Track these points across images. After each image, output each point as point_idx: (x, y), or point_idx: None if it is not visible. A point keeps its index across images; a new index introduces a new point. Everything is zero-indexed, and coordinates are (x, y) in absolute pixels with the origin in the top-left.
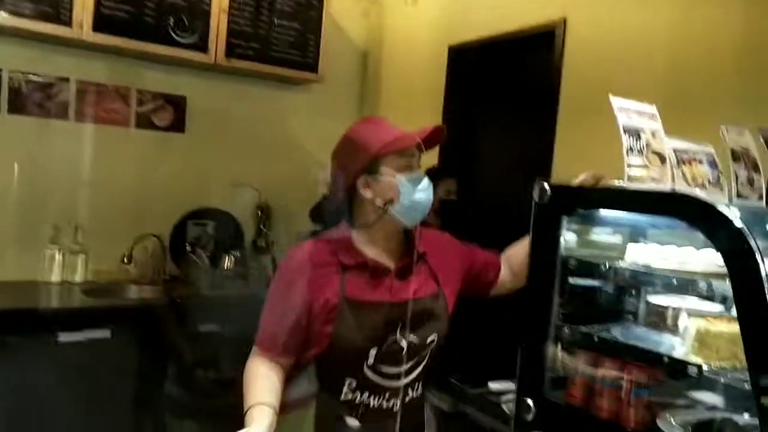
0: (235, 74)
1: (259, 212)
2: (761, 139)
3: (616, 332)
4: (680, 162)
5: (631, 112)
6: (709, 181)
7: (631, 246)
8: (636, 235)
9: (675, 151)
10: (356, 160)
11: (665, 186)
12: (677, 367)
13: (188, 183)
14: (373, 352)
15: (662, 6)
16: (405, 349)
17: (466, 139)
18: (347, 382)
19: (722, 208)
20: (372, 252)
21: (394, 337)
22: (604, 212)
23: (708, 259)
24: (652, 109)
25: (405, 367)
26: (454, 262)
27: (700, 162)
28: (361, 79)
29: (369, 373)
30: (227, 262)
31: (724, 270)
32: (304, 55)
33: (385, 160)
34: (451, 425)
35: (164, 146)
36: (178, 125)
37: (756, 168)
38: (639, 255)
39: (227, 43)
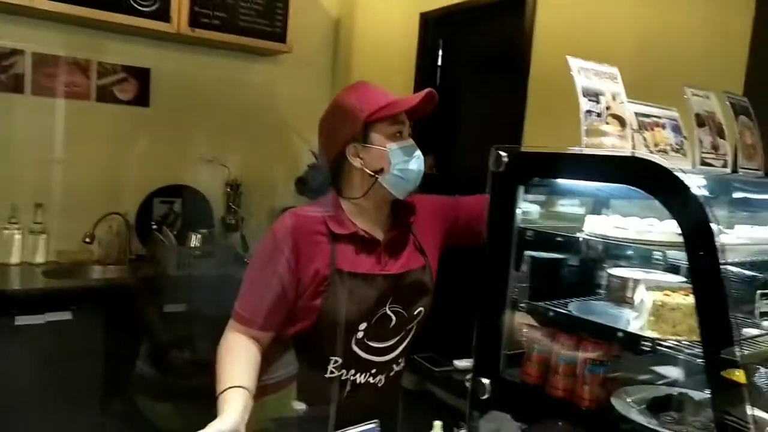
0: (201, 45)
1: (228, 189)
2: (727, 103)
3: (574, 307)
4: (642, 127)
5: (591, 73)
6: (671, 147)
7: (589, 217)
8: (600, 206)
9: (637, 115)
10: (345, 127)
11: (623, 151)
12: (632, 343)
13: (154, 159)
14: (362, 326)
15: None
16: (394, 323)
17: (440, 110)
18: (332, 360)
19: (679, 174)
20: (361, 222)
21: (383, 310)
22: (569, 183)
23: (669, 230)
24: (613, 70)
25: (392, 341)
26: (436, 227)
27: (663, 127)
28: (333, 50)
29: (356, 349)
30: (194, 240)
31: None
32: (272, 24)
33: (375, 128)
34: (416, 404)
35: (128, 121)
36: (142, 99)
37: (721, 134)
38: (596, 226)
39: (191, 12)
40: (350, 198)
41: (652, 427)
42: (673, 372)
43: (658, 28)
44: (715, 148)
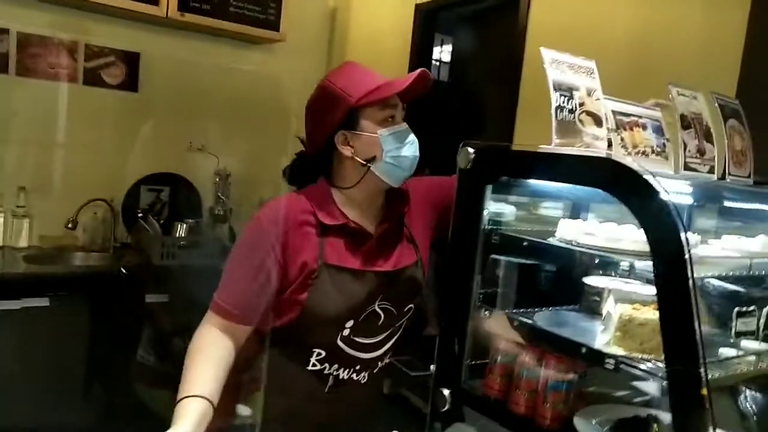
0: (192, 30)
1: (218, 179)
2: (716, 105)
3: (540, 317)
4: (620, 126)
5: (565, 66)
6: (652, 149)
7: (563, 221)
8: (580, 209)
9: (615, 113)
10: (332, 113)
11: (591, 151)
12: (595, 359)
13: (142, 146)
14: (349, 323)
15: None
16: (382, 320)
17: (432, 105)
18: (315, 353)
19: (647, 177)
20: (352, 213)
21: (372, 307)
22: (549, 184)
23: (641, 239)
24: (590, 64)
25: (380, 337)
26: (429, 211)
27: (644, 128)
28: (328, 39)
29: (342, 345)
30: (180, 230)
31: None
32: (265, 12)
33: (364, 113)
34: (389, 408)
35: (116, 106)
36: (131, 84)
37: (709, 137)
38: (567, 231)
39: None
40: (341, 187)
41: None
42: (651, 389)
43: (653, 27)
44: (701, 152)
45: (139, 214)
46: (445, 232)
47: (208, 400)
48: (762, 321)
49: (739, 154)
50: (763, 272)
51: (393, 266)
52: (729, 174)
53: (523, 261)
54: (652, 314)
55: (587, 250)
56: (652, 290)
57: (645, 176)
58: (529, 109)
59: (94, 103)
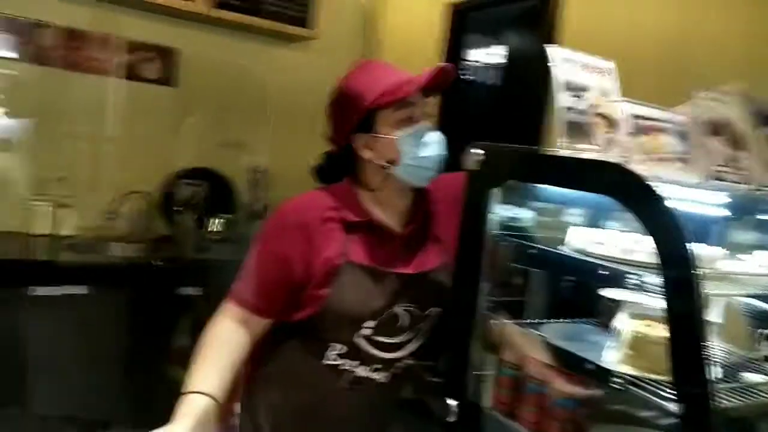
0: (228, 27)
1: (253, 175)
2: (747, 110)
3: (550, 329)
4: (638, 130)
5: (577, 65)
6: (674, 156)
7: (572, 229)
8: (598, 218)
9: (633, 116)
10: (349, 116)
11: (599, 155)
12: (601, 378)
13: (180, 140)
14: (369, 323)
15: None
16: (403, 322)
17: (464, 104)
18: (335, 348)
19: (652, 185)
20: (377, 212)
21: (394, 308)
22: (561, 190)
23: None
24: (607, 64)
25: (401, 338)
26: (457, 211)
27: (666, 133)
28: (363, 38)
29: (361, 342)
30: (215, 225)
31: None
32: (299, 9)
33: (381, 115)
34: (409, 413)
35: (154, 100)
36: (167, 78)
37: (741, 144)
38: (577, 239)
39: None
40: (365, 188)
41: None
42: (665, 413)
43: (693, 32)
44: (732, 160)
45: (176, 208)
46: None
47: (212, 397)
48: None
49: None
50: None
51: (415, 269)
52: (761, 184)
53: (533, 269)
54: (666, 332)
55: (595, 261)
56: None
57: (649, 183)
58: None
59: (133, 98)
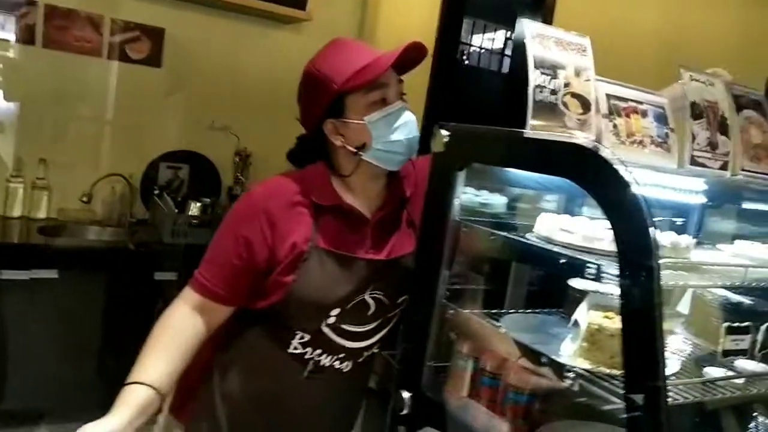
0: (217, 8)
1: (238, 159)
2: (731, 94)
3: (509, 320)
4: (614, 112)
5: (551, 41)
6: (651, 140)
7: (542, 216)
8: (573, 205)
9: (609, 97)
10: (318, 100)
11: (559, 136)
12: (555, 371)
13: (164, 122)
14: (335, 311)
15: None
16: (372, 310)
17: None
18: (298, 335)
19: (618, 167)
20: (349, 197)
21: (362, 296)
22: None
23: None
24: (582, 40)
25: (369, 327)
26: None
27: (644, 115)
28: (360, 20)
29: (327, 331)
30: (194, 209)
31: None
32: None
33: (350, 99)
34: (378, 404)
35: (139, 81)
36: (154, 59)
37: (724, 129)
38: (545, 227)
39: None
40: (338, 173)
41: None
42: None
43: (684, 26)
44: (712, 145)
45: (156, 191)
46: None
47: (155, 388)
48: (760, 338)
49: (758, 148)
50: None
51: (387, 255)
52: (743, 169)
53: (498, 257)
54: None
55: (557, 249)
56: None
57: (609, 163)
58: None
59: (118, 78)
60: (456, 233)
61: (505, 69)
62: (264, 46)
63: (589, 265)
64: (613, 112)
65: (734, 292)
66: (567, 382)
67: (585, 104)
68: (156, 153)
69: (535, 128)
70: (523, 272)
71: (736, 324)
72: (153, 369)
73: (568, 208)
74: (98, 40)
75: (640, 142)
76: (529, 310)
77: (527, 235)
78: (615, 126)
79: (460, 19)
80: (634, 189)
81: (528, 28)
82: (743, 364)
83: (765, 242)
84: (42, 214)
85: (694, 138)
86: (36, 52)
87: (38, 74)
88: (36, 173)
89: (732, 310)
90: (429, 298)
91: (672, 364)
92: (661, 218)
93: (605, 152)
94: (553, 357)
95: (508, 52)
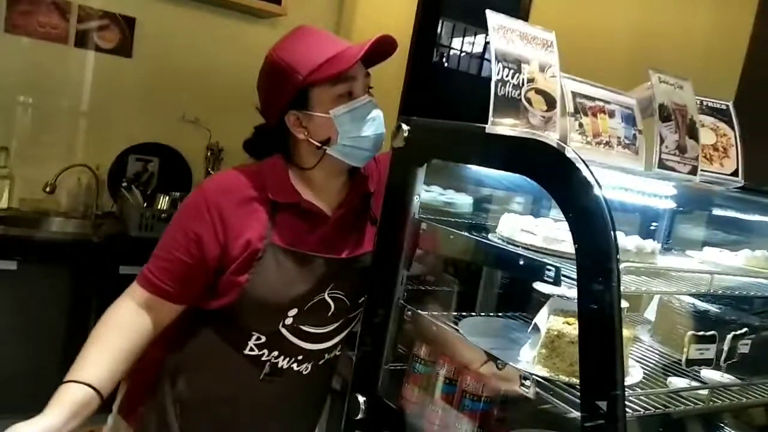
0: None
1: (209, 153)
2: (696, 99)
3: (467, 324)
4: (580, 111)
5: (515, 35)
6: (618, 141)
7: (505, 216)
8: (540, 206)
9: (575, 95)
10: (281, 91)
11: (521, 131)
12: (514, 379)
13: (133, 114)
14: (293, 312)
15: None
16: (332, 311)
17: (434, 84)
18: (254, 337)
19: (580, 165)
20: (308, 193)
21: (321, 296)
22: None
23: None
24: (548, 35)
25: (329, 328)
26: None
27: (611, 115)
28: (337, 16)
29: (285, 332)
30: (163, 202)
31: None
32: None
33: (315, 90)
34: (337, 406)
35: (108, 70)
36: (125, 49)
37: (693, 133)
38: (505, 227)
39: None
40: (299, 167)
41: None
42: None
43: (655, 31)
44: (681, 149)
45: (124, 184)
46: None
47: (95, 389)
48: (725, 348)
49: (710, 148)
50: (735, 291)
51: (348, 253)
52: (700, 170)
53: (459, 258)
54: None
55: (520, 250)
56: None
57: (575, 162)
58: None
59: (85, 66)
60: (416, 232)
61: (485, 72)
62: (239, 40)
63: (548, 267)
64: (579, 111)
65: (701, 300)
66: (524, 390)
67: (550, 101)
68: (125, 145)
69: (497, 124)
70: (489, 274)
71: (701, 333)
72: (93, 367)
73: (535, 210)
74: (65, 26)
75: (607, 143)
76: (492, 314)
77: (489, 236)
78: (581, 125)
79: (437, 19)
80: (595, 188)
81: (491, 19)
82: (708, 374)
83: (734, 249)
84: (2, 203)
85: (662, 141)
86: None
87: (0, 60)
88: None
89: (699, 318)
90: (387, 298)
91: (635, 373)
92: (629, 223)
93: (566, 149)
94: (510, 363)
95: (487, 56)
